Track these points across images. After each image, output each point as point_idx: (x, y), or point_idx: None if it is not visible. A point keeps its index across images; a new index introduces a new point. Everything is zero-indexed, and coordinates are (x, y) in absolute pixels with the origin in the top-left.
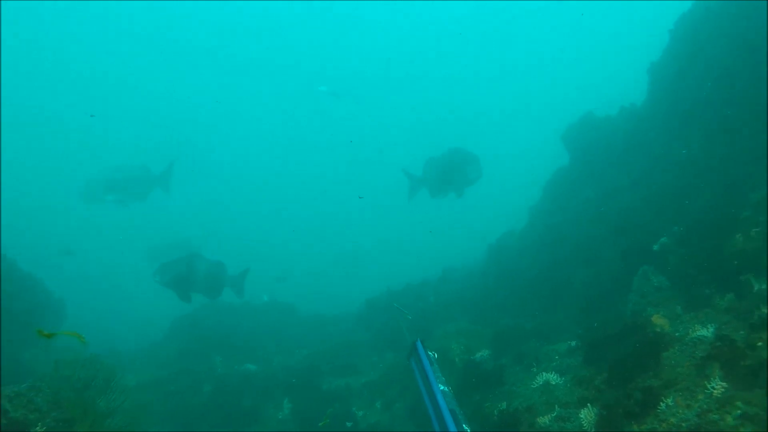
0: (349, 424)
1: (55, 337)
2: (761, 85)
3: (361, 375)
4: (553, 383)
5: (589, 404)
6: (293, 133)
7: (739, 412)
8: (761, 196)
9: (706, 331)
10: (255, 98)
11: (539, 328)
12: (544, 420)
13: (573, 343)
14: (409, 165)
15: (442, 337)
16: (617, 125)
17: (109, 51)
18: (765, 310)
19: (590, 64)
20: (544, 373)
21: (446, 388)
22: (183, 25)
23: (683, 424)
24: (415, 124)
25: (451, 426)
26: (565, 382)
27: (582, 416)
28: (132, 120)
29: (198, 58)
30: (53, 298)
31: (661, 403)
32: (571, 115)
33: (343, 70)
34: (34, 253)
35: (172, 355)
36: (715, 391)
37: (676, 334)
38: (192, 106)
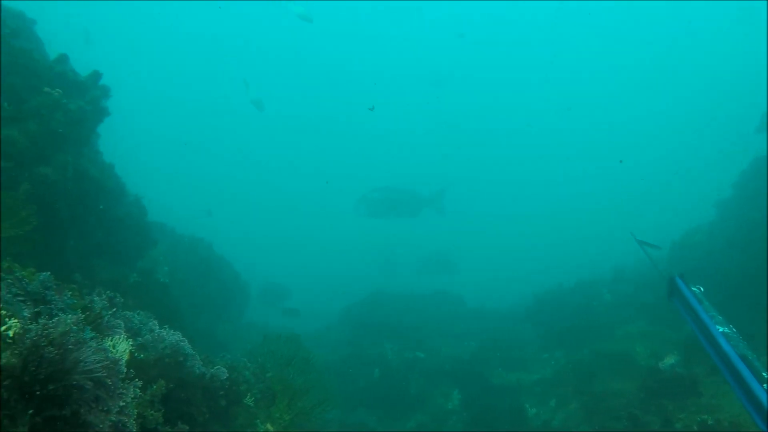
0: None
1: (242, 316)
2: None
3: (532, 372)
4: None
5: None
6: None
7: None
8: None
9: None
10: None
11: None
12: None
13: None
14: None
15: (623, 338)
16: None
17: None
18: None
19: None
20: None
21: (727, 329)
22: None
23: None
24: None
25: (750, 378)
26: None
27: None
28: None
29: None
30: (240, 280)
31: None
32: None
33: None
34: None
35: (344, 339)
36: None
37: None
38: None
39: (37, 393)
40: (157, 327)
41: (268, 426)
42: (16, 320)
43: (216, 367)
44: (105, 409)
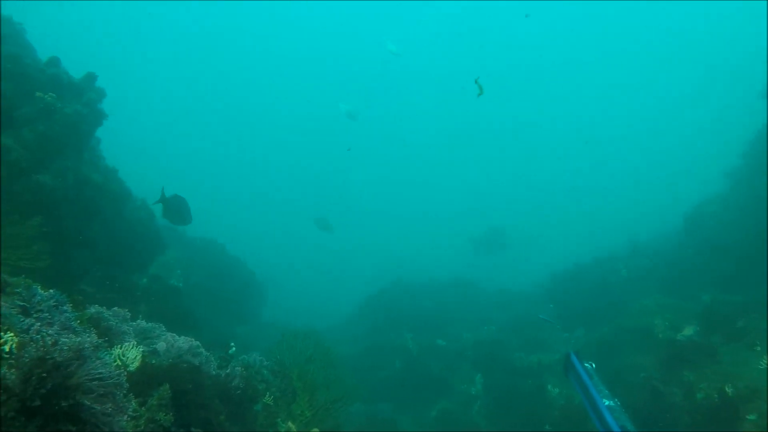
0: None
1: (260, 315)
2: None
3: (553, 352)
4: None
5: None
6: None
7: None
8: None
9: None
10: None
11: (756, 304)
12: None
13: None
14: None
15: (641, 313)
16: None
17: None
18: None
19: None
20: None
21: (612, 403)
22: None
23: None
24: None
25: None
26: None
27: None
28: None
29: None
30: (256, 280)
31: None
32: None
33: None
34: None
35: (364, 331)
36: None
37: None
38: None
39: (41, 409)
40: (169, 332)
41: (290, 424)
42: (12, 334)
43: (230, 367)
44: (112, 422)
